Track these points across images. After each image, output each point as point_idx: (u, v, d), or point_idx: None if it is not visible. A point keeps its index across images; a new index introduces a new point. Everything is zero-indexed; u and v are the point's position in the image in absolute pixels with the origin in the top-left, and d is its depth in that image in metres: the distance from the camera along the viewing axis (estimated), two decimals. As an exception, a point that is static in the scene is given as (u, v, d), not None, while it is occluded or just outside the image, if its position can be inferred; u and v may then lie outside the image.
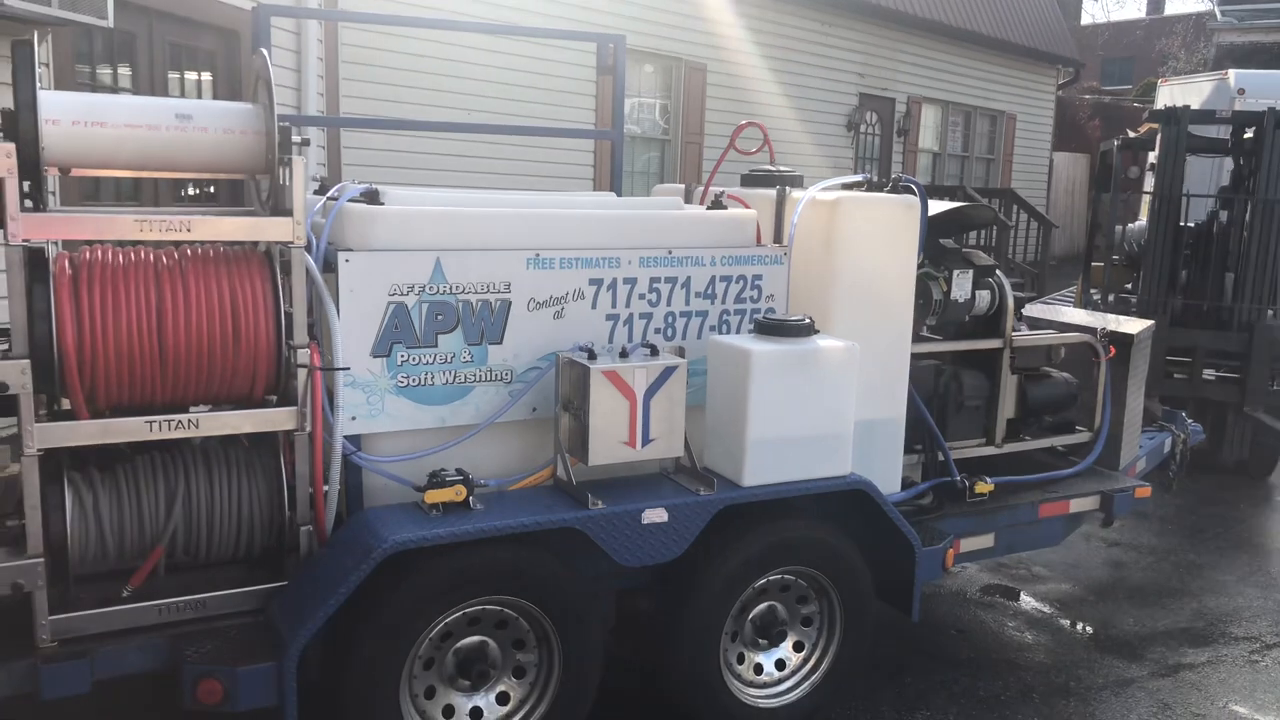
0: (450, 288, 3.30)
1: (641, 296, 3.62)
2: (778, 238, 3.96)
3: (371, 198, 3.32)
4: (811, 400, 3.51)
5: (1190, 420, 5.98)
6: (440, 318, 3.30)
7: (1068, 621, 4.98)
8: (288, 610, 3.02)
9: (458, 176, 9.76)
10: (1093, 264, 8.94)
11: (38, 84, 2.71)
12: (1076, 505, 4.56)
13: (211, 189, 7.91)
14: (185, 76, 8.13)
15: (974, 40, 17.15)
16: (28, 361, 2.75)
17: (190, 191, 7.89)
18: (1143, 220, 8.88)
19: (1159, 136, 7.77)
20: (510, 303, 3.40)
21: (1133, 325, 5.12)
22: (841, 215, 3.86)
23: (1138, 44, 34.00)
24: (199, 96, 8.17)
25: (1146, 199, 9.04)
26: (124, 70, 7.56)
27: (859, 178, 4.17)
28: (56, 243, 3.07)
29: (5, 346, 2.85)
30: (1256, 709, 4.20)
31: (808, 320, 3.58)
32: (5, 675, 2.81)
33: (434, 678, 3.22)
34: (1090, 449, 4.86)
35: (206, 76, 8.29)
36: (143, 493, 3.03)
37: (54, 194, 6.40)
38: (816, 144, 14.39)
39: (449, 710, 3.25)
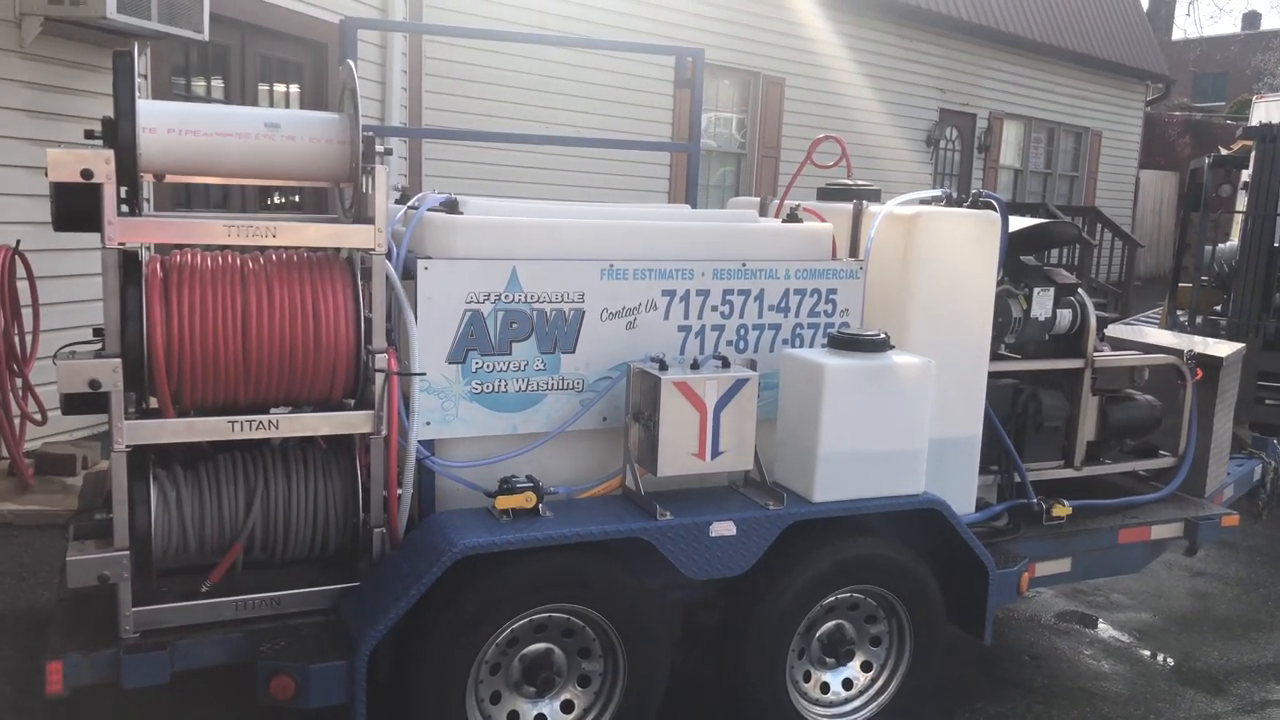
0: (525, 296, 3.34)
1: (714, 309, 3.62)
2: (854, 252, 3.93)
3: (451, 207, 3.38)
4: (885, 417, 3.47)
5: (1283, 448, 5.77)
6: (515, 326, 3.34)
7: (1148, 652, 4.82)
8: (359, 610, 3.08)
9: (536, 188, 9.88)
10: (1180, 285, 8.70)
11: (136, 93, 2.82)
12: (1158, 532, 4.43)
13: (297, 197, 8.13)
14: (274, 88, 8.37)
15: (1059, 55, 16.82)
16: (119, 360, 2.85)
17: (276, 199, 8.11)
18: (1234, 241, 8.62)
19: (1253, 154, 7.54)
20: (584, 312, 3.42)
21: (1222, 348, 4.96)
22: (920, 230, 3.82)
23: (1232, 59, 33.04)
24: (287, 107, 8.40)
25: (1238, 219, 8.78)
26: (217, 82, 7.82)
27: (938, 193, 4.11)
28: (149, 247, 3.18)
29: (99, 346, 2.96)
30: (1349, 751, 4.03)
31: (883, 335, 3.54)
32: (89, 664, 2.90)
33: (500, 683, 3.25)
34: (1174, 474, 4.72)
35: (294, 89, 8.52)
36: (223, 490, 3.11)
37: (148, 200, 6.64)
38: (895, 159, 14.25)
39: (513, 716, 3.27)
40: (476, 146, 9.52)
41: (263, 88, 8.20)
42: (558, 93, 10.34)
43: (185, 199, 7.40)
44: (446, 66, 9.57)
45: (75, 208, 2.83)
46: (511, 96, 10.01)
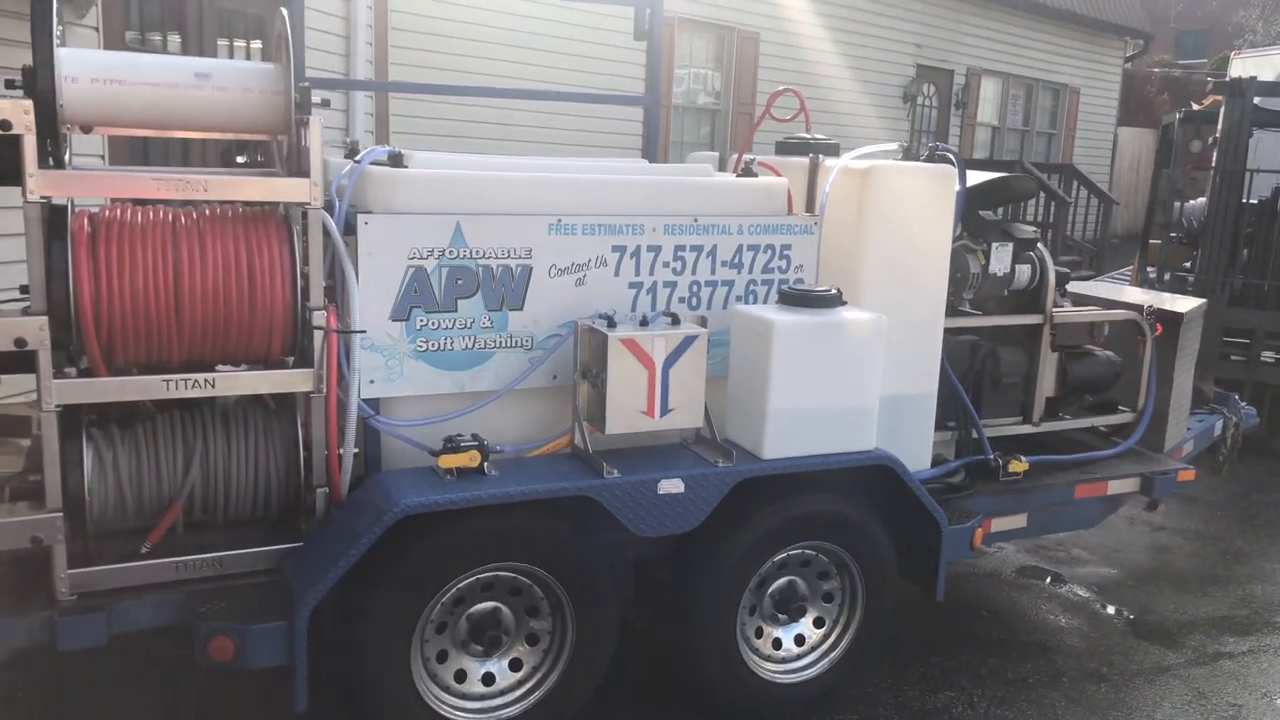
0: (470, 252, 3.27)
1: (666, 265, 3.56)
2: (809, 207, 3.87)
3: (395, 160, 3.30)
4: (836, 373, 3.43)
5: (1245, 404, 5.78)
6: (460, 282, 3.28)
7: (1105, 606, 4.85)
8: (301, 571, 3.04)
9: (505, 145, 9.73)
10: (1151, 241, 8.69)
11: (55, 41, 2.72)
12: (1115, 487, 4.43)
13: (261, 156, 7.96)
14: (235, 44, 8.18)
15: (1038, 11, 16.67)
16: (45, 318, 2.78)
17: (240, 159, 7.94)
18: (1204, 197, 8.60)
19: (1222, 109, 7.50)
20: (531, 268, 3.36)
21: (1183, 303, 4.95)
22: (874, 184, 3.76)
23: (1214, 15, 32.88)
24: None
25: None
26: (174, 37, 7.63)
27: (893, 146, 4.05)
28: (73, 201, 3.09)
29: (26, 304, 2.88)
30: (1298, 702, 4.07)
31: (834, 291, 3.49)
32: (25, 627, 2.86)
33: (446, 642, 3.22)
34: (1133, 430, 4.71)
35: (256, 44, 8.33)
36: (161, 451, 3.05)
37: (103, 156, 6.48)
38: (871, 116, 14.12)
39: (460, 675, 3.25)
40: (444, 102, 9.36)
41: (222, 43, 8.01)
42: (527, 47, 10.17)
43: (143, 156, 7.24)
44: (413, 20, 9.39)
45: (-7, 160, 2.74)
46: (480, 51, 9.84)
